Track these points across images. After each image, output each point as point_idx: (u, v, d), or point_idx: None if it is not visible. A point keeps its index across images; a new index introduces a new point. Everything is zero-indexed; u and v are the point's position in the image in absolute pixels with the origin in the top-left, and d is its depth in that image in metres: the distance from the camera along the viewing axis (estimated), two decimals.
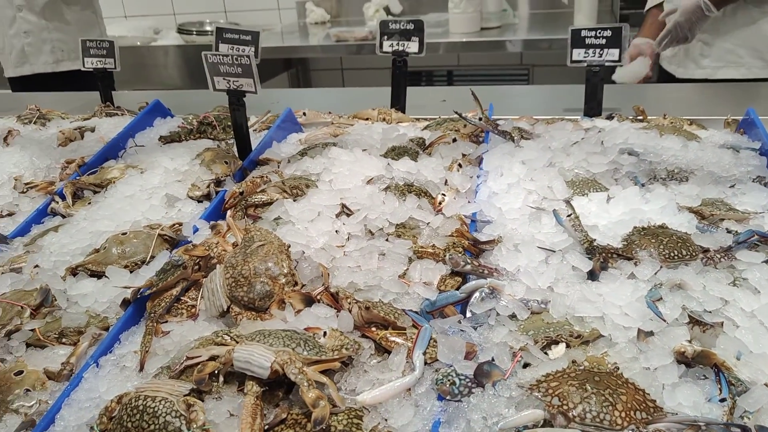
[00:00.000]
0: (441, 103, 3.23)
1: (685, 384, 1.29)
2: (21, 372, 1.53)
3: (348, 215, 1.89)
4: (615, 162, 2.04)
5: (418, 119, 2.75)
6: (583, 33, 2.49)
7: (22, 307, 1.70)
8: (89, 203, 2.19)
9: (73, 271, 1.82)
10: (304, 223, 1.85)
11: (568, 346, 1.43)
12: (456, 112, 2.35)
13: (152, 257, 1.86)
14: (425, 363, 1.40)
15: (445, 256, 1.71)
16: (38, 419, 1.41)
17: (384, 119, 2.71)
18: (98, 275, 1.82)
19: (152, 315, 1.63)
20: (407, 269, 1.68)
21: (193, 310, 1.68)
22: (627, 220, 1.76)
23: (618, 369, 1.33)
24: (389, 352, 1.45)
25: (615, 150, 2.07)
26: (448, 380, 1.34)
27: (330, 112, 2.82)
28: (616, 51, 2.45)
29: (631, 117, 2.55)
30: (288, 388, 1.40)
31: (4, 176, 2.39)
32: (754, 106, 2.35)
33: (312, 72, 7.18)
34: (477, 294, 1.55)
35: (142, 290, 1.70)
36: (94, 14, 4.86)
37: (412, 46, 2.74)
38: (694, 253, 1.63)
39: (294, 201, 1.98)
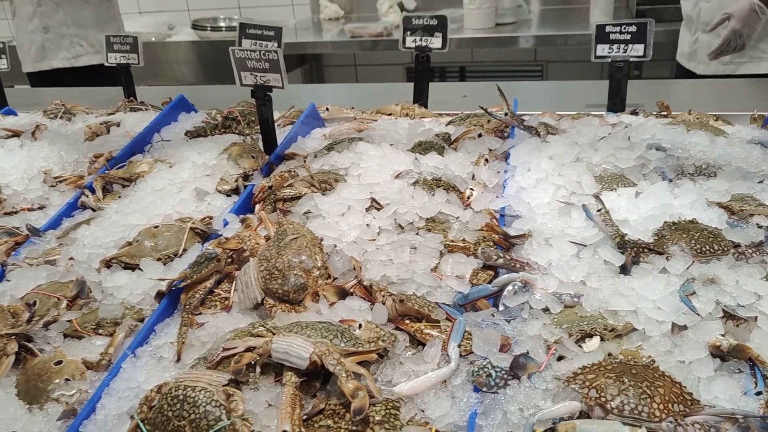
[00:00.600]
0: (462, 98, 3.24)
1: (720, 377, 1.30)
2: (60, 362, 1.56)
3: (378, 209, 1.91)
4: (643, 157, 2.05)
5: (440, 114, 2.76)
6: (608, 28, 2.49)
7: (58, 299, 1.73)
8: (119, 197, 2.22)
9: (108, 264, 1.85)
10: (335, 217, 1.87)
11: (602, 339, 1.44)
12: (481, 108, 2.35)
13: (184, 250, 1.88)
14: (460, 355, 1.42)
15: (476, 250, 1.72)
16: (79, 408, 1.44)
17: (407, 114, 2.72)
18: (132, 267, 1.84)
19: (187, 307, 1.66)
20: (439, 263, 1.70)
21: (226, 302, 1.71)
22: (657, 215, 1.77)
23: (654, 362, 1.34)
24: (423, 345, 1.46)
25: (642, 145, 2.08)
26: (484, 372, 1.36)
27: (353, 108, 2.83)
28: (641, 46, 2.45)
29: (655, 113, 2.55)
30: (324, 378, 1.42)
31: (33, 170, 2.42)
32: None
33: (325, 68, 7.19)
34: (510, 287, 1.56)
35: (176, 282, 1.72)
36: (111, 9, 4.89)
37: (435, 42, 2.75)
38: (725, 248, 1.64)
39: (323, 195, 1.99)
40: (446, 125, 2.55)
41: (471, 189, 1.99)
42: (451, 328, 1.46)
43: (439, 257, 1.72)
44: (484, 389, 1.34)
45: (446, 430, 1.29)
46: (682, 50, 3.74)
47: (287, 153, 2.40)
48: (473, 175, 2.10)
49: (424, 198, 1.93)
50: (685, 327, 1.42)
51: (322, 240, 1.74)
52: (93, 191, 2.25)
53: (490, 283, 1.61)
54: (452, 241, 1.78)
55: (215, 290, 1.73)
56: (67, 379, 1.51)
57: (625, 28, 2.47)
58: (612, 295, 1.51)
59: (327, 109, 2.81)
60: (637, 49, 2.46)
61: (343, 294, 1.61)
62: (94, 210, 2.19)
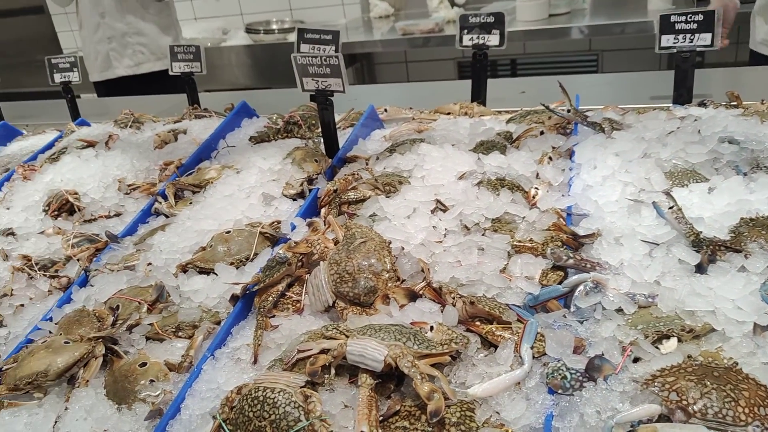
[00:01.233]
0: (520, 94, 3.21)
1: None
2: (144, 363, 1.63)
3: (443, 211, 1.92)
4: (714, 151, 1.98)
5: (499, 112, 2.75)
6: (673, 18, 2.42)
7: (139, 303, 1.81)
8: (190, 203, 2.30)
9: (184, 268, 1.92)
10: (401, 220, 1.89)
11: (679, 340, 1.42)
12: (543, 105, 2.33)
13: (255, 254, 1.94)
14: (533, 357, 1.42)
15: (544, 250, 1.71)
16: (165, 408, 1.50)
17: (466, 113, 2.72)
18: (206, 272, 1.91)
19: (261, 310, 1.71)
20: (507, 264, 1.70)
21: (297, 304, 1.75)
22: (733, 211, 1.72)
23: (737, 364, 1.30)
24: (495, 346, 1.47)
25: (714, 139, 2.01)
26: (559, 374, 1.35)
27: (411, 108, 2.84)
28: (708, 36, 2.37)
29: (725, 103, 2.46)
30: (398, 380, 1.44)
31: (108, 179, 2.54)
32: None
33: (376, 66, 7.22)
34: (581, 288, 1.55)
35: (249, 286, 1.77)
36: (170, 17, 5.05)
37: (493, 39, 2.73)
38: None
39: (387, 197, 2.02)
40: (506, 123, 2.53)
41: (536, 188, 1.97)
42: (523, 330, 1.47)
43: (507, 258, 1.72)
44: (559, 391, 1.34)
45: None
46: (761, 37, 3.58)
47: (349, 156, 2.44)
48: (537, 174, 2.08)
49: (489, 198, 1.93)
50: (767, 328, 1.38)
51: (390, 243, 1.76)
52: (165, 198, 2.34)
53: (560, 283, 1.60)
54: (519, 241, 1.77)
55: (287, 293, 1.78)
56: (152, 380, 1.58)
57: (691, 17, 2.40)
58: (688, 295, 1.47)
59: (386, 110, 2.83)
60: (705, 39, 2.39)
61: (413, 296, 1.63)
62: (167, 216, 2.28)
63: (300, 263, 1.80)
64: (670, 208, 1.71)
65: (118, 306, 1.82)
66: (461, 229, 1.87)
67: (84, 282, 2.00)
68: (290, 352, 1.51)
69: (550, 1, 5.58)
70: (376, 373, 1.39)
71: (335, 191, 2.11)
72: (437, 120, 2.66)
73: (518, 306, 1.58)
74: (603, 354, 1.38)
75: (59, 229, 2.30)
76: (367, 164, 2.33)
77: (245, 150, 2.59)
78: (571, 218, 1.88)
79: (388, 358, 1.37)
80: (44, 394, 1.63)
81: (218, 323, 1.75)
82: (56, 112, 3.85)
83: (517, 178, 2.07)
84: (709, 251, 1.58)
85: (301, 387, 1.40)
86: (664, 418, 1.24)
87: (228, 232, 1.99)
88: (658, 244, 1.65)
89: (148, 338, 1.75)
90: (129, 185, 2.50)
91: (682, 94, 2.53)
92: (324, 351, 1.45)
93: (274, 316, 1.72)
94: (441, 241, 1.81)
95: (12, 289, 2.01)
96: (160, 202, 2.30)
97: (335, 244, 1.81)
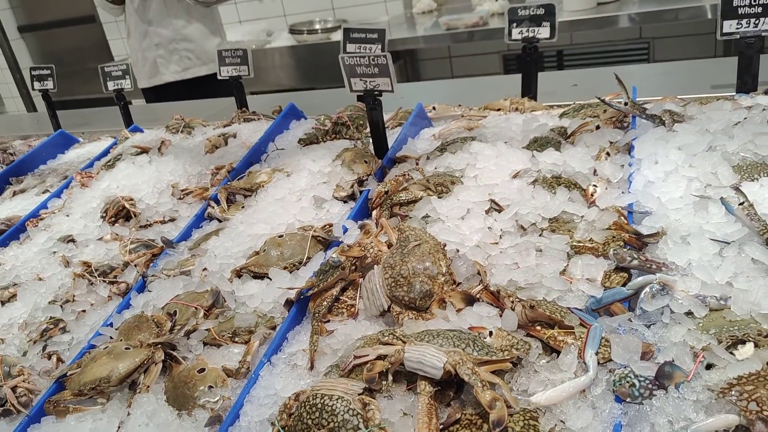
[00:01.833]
0: (572, 87, 3.12)
1: None
2: (203, 369, 1.64)
3: (498, 211, 1.87)
4: None
5: (551, 107, 2.67)
6: (736, 2, 2.30)
7: (196, 308, 1.83)
8: (242, 207, 2.32)
9: (238, 273, 1.93)
10: (454, 221, 1.85)
11: (756, 345, 1.34)
12: (598, 98, 2.25)
13: (308, 258, 1.93)
14: (598, 363, 1.36)
15: (606, 250, 1.65)
16: (224, 414, 1.51)
17: (517, 109, 2.65)
18: (260, 276, 1.91)
19: (316, 315, 1.70)
20: (567, 265, 1.64)
21: (352, 309, 1.73)
22: None
23: None
24: (557, 352, 1.42)
25: None
26: (627, 382, 1.30)
27: (460, 105, 2.79)
28: None
29: None
30: (458, 387, 1.41)
31: (162, 184, 2.58)
32: None
33: (420, 62, 7.17)
34: (647, 290, 1.48)
35: (304, 291, 1.77)
36: (214, 22, 5.12)
37: (543, 32, 2.66)
38: None
39: (439, 198, 1.98)
40: (560, 118, 2.46)
41: (594, 185, 1.90)
42: (587, 335, 1.41)
43: (567, 259, 1.67)
44: (627, 400, 1.28)
45: None
46: None
47: (399, 156, 2.41)
48: (595, 171, 2.01)
49: (545, 197, 1.87)
50: None
51: (444, 245, 1.73)
52: (218, 202, 2.36)
53: (624, 285, 1.54)
54: (579, 241, 1.71)
55: (341, 297, 1.77)
56: (211, 387, 1.59)
57: (756, 0, 2.27)
58: (765, 297, 1.39)
59: (434, 108, 2.79)
60: None
61: (470, 300, 1.59)
62: (220, 221, 2.30)
63: (353, 267, 1.79)
64: (741, 203, 1.63)
65: (175, 311, 1.84)
66: (517, 229, 1.82)
67: (142, 287, 2.04)
68: (347, 358, 1.50)
69: None
70: (435, 380, 1.36)
71: (386, 192, 2.08)
72: (487, 117, 2.61)
73: (580, 309, 1.52)
74: (673, 360, 1.32)
75: (116, 235, 2.35)
76: (417, 164, 2.30)
77: (295, 152, 2.59)
78: (633, 216, 1.80)
79: (448, 365, 1.34)
80: (107, 400, 1.67)
81: (274, 328, 1.75)
82: (110, 119, 3.95)
83: (574, 175, 2.00)
84: None
85: (359, 394, 1.38)
86: (741, 429, 1.17)
87: (281, 236, 1.99)
88: (728, 243, 1.57)
89: (205, 344, 1.77)
90: (182, 190, 2.54)
91: (747, 82, 2.40)
92: (381, 357, 1.43)
93: (329, 321, 1.71)
94: (497, 243, 1.76)
95: (74, 295, 2.07)
96: (213, 207, 2.33)
97: (389, 247, 1.79)
